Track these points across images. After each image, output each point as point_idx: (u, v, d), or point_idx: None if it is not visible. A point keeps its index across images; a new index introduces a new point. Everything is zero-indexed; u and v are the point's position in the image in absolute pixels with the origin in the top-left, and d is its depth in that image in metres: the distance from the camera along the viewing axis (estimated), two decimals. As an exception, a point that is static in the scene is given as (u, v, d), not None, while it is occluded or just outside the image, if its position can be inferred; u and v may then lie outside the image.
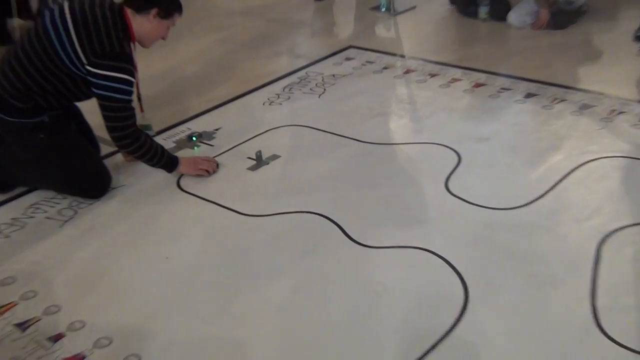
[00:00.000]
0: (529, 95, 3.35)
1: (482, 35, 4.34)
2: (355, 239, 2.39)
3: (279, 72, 3.91)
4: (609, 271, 2.13)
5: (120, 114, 2.58)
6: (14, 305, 2.19)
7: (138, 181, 2.85)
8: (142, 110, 2.93)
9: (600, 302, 2.00)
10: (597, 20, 4.29)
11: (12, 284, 2.30)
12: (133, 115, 2.63)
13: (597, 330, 1.91)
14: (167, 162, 2.78)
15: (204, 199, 2.70)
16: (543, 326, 1.94)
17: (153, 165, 2.77)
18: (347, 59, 4.04)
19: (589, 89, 3.36)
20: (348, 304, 2.08)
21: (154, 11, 2.58)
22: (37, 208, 2.71)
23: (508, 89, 3.44)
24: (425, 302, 2.06)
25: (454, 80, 3.62)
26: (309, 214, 2.55)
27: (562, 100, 3.27)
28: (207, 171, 2.85)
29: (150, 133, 3.09)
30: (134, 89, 2.63)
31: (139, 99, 2.88)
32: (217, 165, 2.91)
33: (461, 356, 1.88)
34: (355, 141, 3.07)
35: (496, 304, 2.03)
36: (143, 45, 2.70)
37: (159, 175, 2.85)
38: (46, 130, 2.64)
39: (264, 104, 3.53)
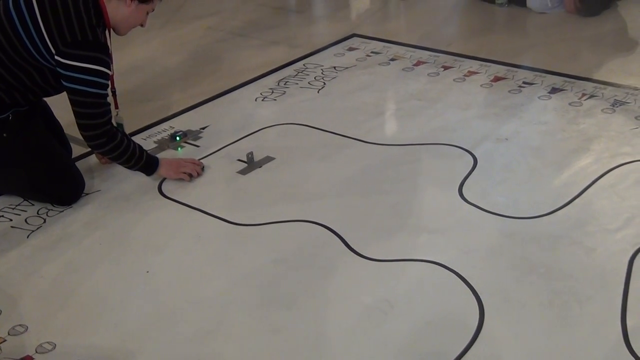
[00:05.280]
0: (554, 91, 3.40)
1: (501, 23, 4.39)
2: (358, 251, 2.42)
3: (273, 63, 3.95)
4: (641, 288, 2.17)
5: (93, 111, 2.61)
6: (-24, 324, 2.22)
7: (114, 186, 2.89)
8: (116, 107, 2.96)
9: (632, 322, 2.04)
10: (635, 5, 4.33)
11: (-27, 301, 2.33)
12: (108, 112, 2.65)
13: (627, 353, 1.94)
14: (146, 164, 2.81)
15: (188, 205, 2.74)
16: (567, 349, 1.97)
17: (130, 168, 2.80)
18: (350, 49, 4.08)
19: (623, 83, 3.41)
20: (348, 323, 2.12)
21: (131, -6, 2.62)
22: (1, 216, 2.74)
23: (531, 84, 3.48)
24: (435, 322, 2.10)
25: (471, 73, 3.66)
26: (306, 223, 2.59)
27: (591, 96, 3.31)
28: (190, 175, 2.89)
29: None
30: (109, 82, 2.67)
31: (114, 94, 2.92)
32: (203, 168, 2.95)
33: (475, 382, 1.92)
34: (358, 142, 3.11)
35: (515, 324, 2.07)
36: (118, 32, 2.72)
37: (138, 179, 2.89)
38: (10, 129, 2.67)
39: (256, 100, 3.57)
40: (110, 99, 2.71)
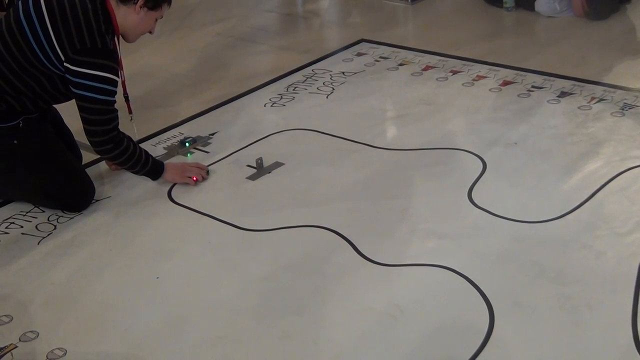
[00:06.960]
0: (563, 95, 3.39)
1: (509, 27, 4.38)
2: (368, 256, 2.42)
3: (282, 69, 3.95)
4: (652, 292, 2.16)
5: (101, 117, 2.62)
6: (-13, 331, 2.23)
7: (124, 192, 2.90)
8: (130, 112, 2.96)
9: (643, 327, 2.03)
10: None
11: (-15, 308, 2.34)
12: (115, 118, 2.67)
13: (639, 358, 1.93)
14: (152, 169, 2.82)
15: (198, 211, 2.75)
16: (578, 354, 1.97)
17: (136, 173, 2.82)
18: (359, 54, 4.08)
19: (632, 86, 3.39)
20: (359, 328, 2.12)
21: (140, 1, 2.61)
22: (12, 222, 2.76)
23: (539, 88, 3.47)
24: (445, 327, 2.10)
25: (479, 77, 3.65)
26: (315, 229, 2.59)
27: (601, 100, 3.31)
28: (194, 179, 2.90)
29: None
30: (118, 89, 2.67)
31: (126, 99, 2.93)
32: (208, 172, 2.96)
33: (486, 387, 1.92)
34: (367, 147, 3.11)
35: (525, 328, 2.06)
36: (127, 39, 2.74)
37: (147, 185, 2.89)
38: (20, 136, 2.68)
39: (265, 106, 3.57)
40: (118, 105, 2.71)
